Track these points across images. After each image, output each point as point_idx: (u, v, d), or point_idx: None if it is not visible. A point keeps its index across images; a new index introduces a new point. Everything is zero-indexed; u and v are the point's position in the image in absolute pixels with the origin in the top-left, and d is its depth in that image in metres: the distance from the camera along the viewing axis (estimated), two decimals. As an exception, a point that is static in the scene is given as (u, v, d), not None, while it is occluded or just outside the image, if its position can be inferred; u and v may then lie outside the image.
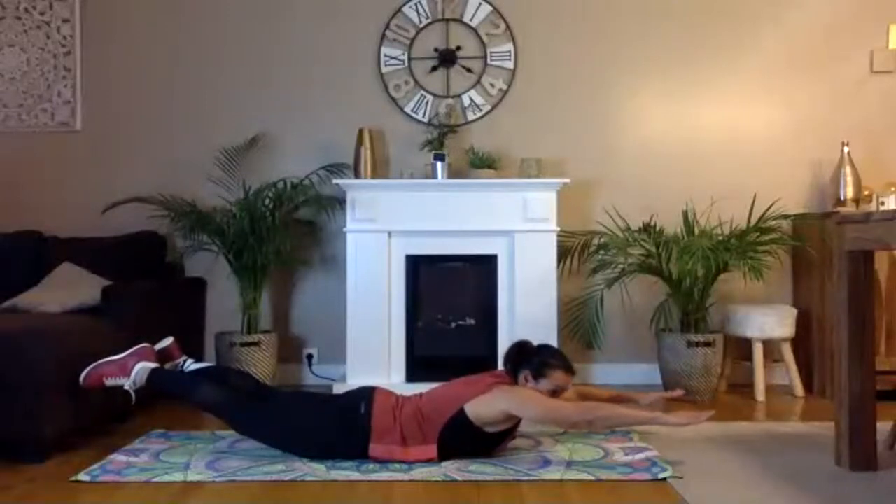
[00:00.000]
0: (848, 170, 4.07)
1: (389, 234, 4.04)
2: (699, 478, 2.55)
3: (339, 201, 4.21)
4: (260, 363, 4.00)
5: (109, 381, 2.93)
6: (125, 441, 3.05)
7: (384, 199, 4.04)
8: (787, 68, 4.37)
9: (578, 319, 4.17)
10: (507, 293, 4.04)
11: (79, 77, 4.46)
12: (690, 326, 3.92)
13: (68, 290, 3.64)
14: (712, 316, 4.08)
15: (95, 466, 2.70)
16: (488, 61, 4.39)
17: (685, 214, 4.08)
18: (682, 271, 3.83)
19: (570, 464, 2.72)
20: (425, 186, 4.07)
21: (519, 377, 2.88)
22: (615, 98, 4.40)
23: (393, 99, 4.41)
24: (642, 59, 4.39)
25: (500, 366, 3.00)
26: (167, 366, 3.10)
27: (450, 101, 4.40)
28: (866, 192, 4.09)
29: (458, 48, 4.40)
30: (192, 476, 2.61)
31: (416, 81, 4.40)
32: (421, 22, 4.40)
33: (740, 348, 4.11)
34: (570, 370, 2.92)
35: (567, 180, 4.05)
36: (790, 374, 4.01)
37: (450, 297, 4.20)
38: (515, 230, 4.01)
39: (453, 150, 4.25)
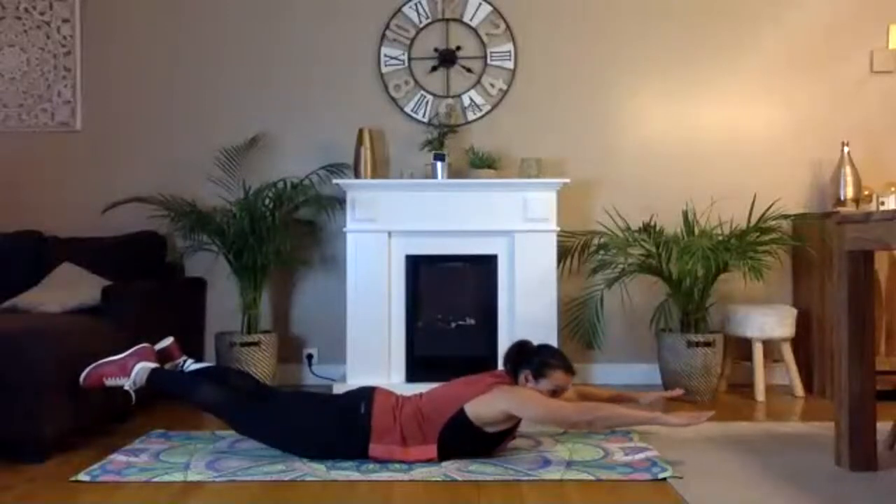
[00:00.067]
0: (848, 170, 4.07)
1: (389, 234, 4.04)
2: (699, 478, 2.55)
3: (339, 201, 4.21)
4: (260, 363, 4.00)
5: (109, 382, 2.93)
6: (125, 441, 3.05)
7: (384, 199, 4.04)
8: (787, 68, 4.37)
9: (578, 319, 4.17)
10: (507, 293, 4.04)
11: (79, 77, 4.46)
12: (690, 326, 3.92)
13: (68, 290, 3.64)
14: (712, 316, 4.08)
15: (95, 466, 2.70)
16: (488, 61, 4.39)
17: (685, 214, 4.08)
18: (682, 271, 3.83)
19: (570, 464, 2.72)
20: (425, 186, 4.07)
21: (519, 377, 2.88)
22: (615, 98, 4.40)
23: (393, 99, 4.41)
24: (642, 59, 4.39)
25: (500, 366, 3.00)
26: (167, 366, 3.10)
27: (450, 101, 4.40)
28: (866, 192, 4.09)
29: (458, 48, 4.40)
30: (192, 476, 2.61)
31: (416, 81, 4.40)
32: (421, 22, 4.40)
33: (740, 348, 4.11)
34: (570, 370, 2.92)
35: (567, 180, 4.05)
36: (790, 374, 4.01)
37: (450, 297, 4.20)
38: (515, 230, 4.01)
39: (453, 150, 4.25)
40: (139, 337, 3.09)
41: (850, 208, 4.02)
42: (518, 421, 2.81)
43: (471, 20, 4.39)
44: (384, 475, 2.60)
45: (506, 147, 4.34)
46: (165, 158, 4.44)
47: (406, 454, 2.72)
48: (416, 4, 4.39)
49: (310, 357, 4.40)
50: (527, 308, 3.98)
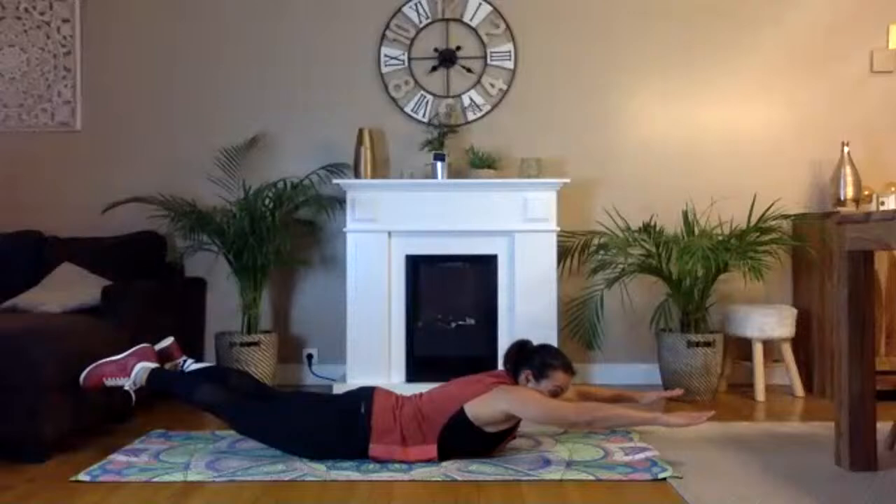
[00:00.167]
0: (848, 170, 4.07)
1: (389, 234, 4.04)
2: (699, 478, 2.55)
3: (339, 201, 4.21)
4: (260, 363, 4.00)
5: (109, 382, 2.93)
6: (125, 441, 3.05)
7: (384, 199, 4.04)
8: (787, 68, 4.37)
9: (578, 319, 4.17)
10: (507, 293, 4.04)
11: (79, 77, 4.46)
12: (690, 326, 3.92)
13: (68, 290, 3.64)
14: (712, 316, 4.08)
15: (95, 466, 2.70)
16: (488, 61, 4.39)
17: (685, 214, 4.08)
18: (682, 271, 3.83)
19: (570, 464, 2.72)
20: (425, 186, 4.07)
21: (520, 377, 2.89)
22: (615, 98, 4.40)
23: (393, 99, 4.41)
24: (642, 59, 4.39)
25: (500, 366, 3.01)
26: (167, 366, 3.10)
27: (450, 101, 4.40)
28: (866, 192, 4.09)
29: (458, 48, 4.40)
30: (192, 476, 2.60)
31: (416, 81, 4.40)
32: (421, 22, 4.40)
33: (740, 348, 4.11)
34: (570, 370, 2.92)
35: (567, 180, 4.05)
36: (790, 374, 4.01)
37: (450, 297, 4.20)
38: (515, 230, 4.01)
39: (453, 150, 4.25)
40: (139, 337, 3.09)
41: (850, 208, 4.02)
42: (518, 421, 2.81)
43: (471, 20, 4.39)
44: (384, 475, 2.60)
45: (506, 147, 4.34)
46: (165, 158, 4.44)
47: (406, 454, 2.72)
48: (416, 4, 4.39)
49: (310, 357, 4.40)
50: (527, 308, 3.98)
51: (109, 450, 2.91)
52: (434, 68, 4.40)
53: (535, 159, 4.15)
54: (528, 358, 2.90)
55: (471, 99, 4.39)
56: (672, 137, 4.38)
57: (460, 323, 4.16)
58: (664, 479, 2.55)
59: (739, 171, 4.34)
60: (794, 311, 4.03)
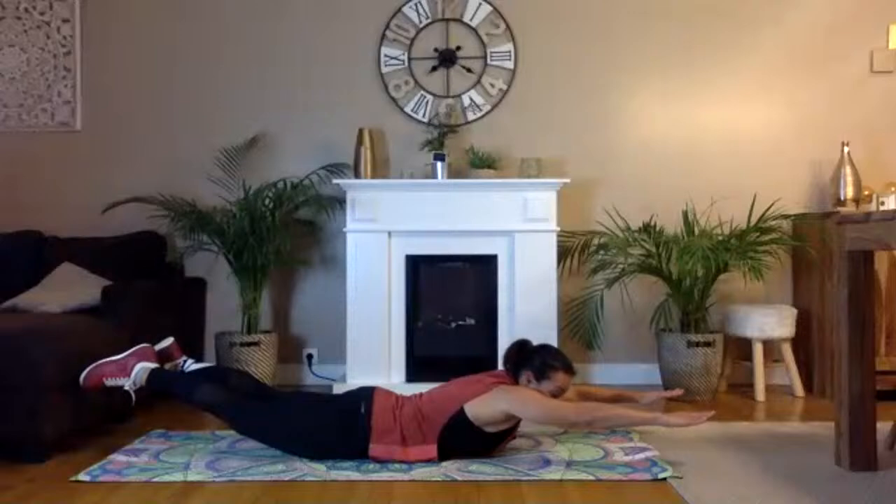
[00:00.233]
0: (848, 170, 4.07)
1: (389, 234, 4.04)
2: (699, 478, 2.55)
3: (339, 201, 4.21)
4: (260, 363, 4.00)
5: (109, 382, 2.93)
6: (125, 441, 3.05)
7: (384, 199, 4.04)
8: (787, 68, 4.37)
9: (578, 319, 4.17)
10: (507, 293, 4.04)
11: (79, 77, 4.46)
12: (690, 326, 3.92)
13: (68, 290, 3.64)
14: (712, 316, 4.08)
15: (95, 466, 2.70)
16: (488, 61, 4.39)
17: (685, 214, 4.08)
18: (682, 271, 3.83)
19: (570, 464, 2.72)
20: (425, 186, 4.07)
21: (521, 378, 2.89)
22: (615, 98, 4.40)
23: (393, 99, 4.41)
24: (642, 59, 4.39)
25: (500, 366, 3.00)
26: (167, 366, 3.10)
27: (450, 101, 4.40)
28: (866, 192, 4.09)
29: (458, 48, 4.40)
30: (192, 476, 2.60)
31: (416, 81, 4.40)
32: (421, 22, 4.40)
33: (740, 348, 4.11)
34: (570, 370, 2.92)
35: (567, 180, 4.05)
36: (790, 374, 4.01)
37: (450, 297, 4.20)
38: (515, 230, 4.01)
39: (453, 150, 4.25)
40: (139, 337, 3.09)
41: (850, 208, 4.02)
42: (518, 421, 2.80)
43: (471, 20, 4.39)
44: (384, 475, 2.60)
45: (506, 147, 4.34)
46: (165, 158, 4.44)
47: (406, 454, 2.72)
48: (416, 4, 4.39)
49: (310, 357, 4.40)
50: (527, 308, 3.98)
51: (109, 450, 2.91)
52: (434, 68, 4.40)
53: (535, 159, 4.15)
54: (528, 358, 2.90)
55: (471, 99, 4.39)
56: (672, 137, 4.38)
57: (460, 323, 4.16)
58: (664, 479, 2.55)
59: (739, 171, 4.34)
60: (794, 311, 4.03)
